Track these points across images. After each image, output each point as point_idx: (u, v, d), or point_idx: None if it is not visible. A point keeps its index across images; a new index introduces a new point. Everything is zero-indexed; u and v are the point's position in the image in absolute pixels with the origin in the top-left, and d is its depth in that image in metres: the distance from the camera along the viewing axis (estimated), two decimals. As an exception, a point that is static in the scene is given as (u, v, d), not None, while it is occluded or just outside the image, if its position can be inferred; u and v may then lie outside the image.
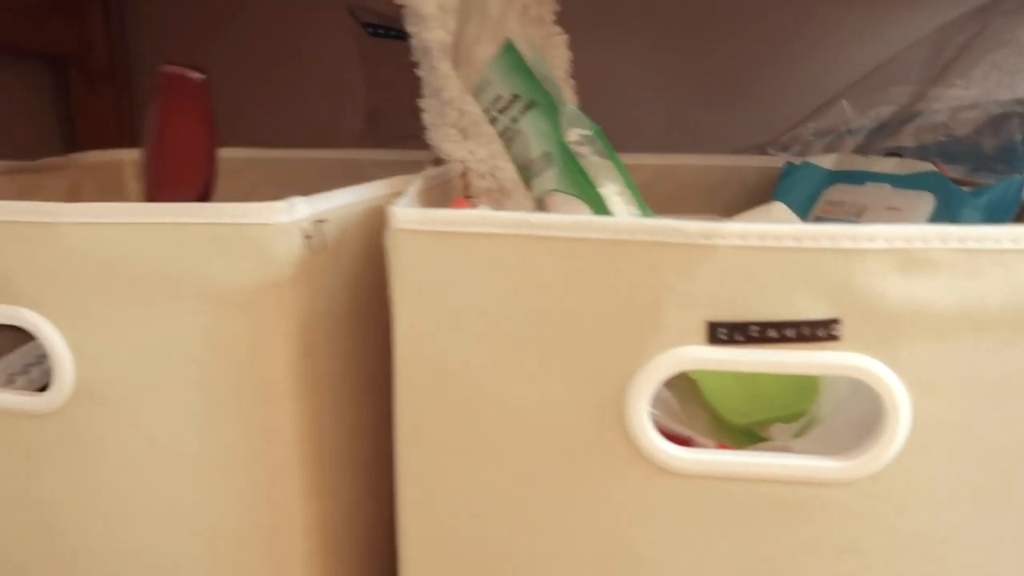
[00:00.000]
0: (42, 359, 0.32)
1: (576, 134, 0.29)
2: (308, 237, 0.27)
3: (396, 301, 0.25)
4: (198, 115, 0.24)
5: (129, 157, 0.53)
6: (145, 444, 0.28)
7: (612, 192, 0.29)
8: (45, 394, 0.28)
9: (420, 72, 0.41)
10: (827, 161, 0.42)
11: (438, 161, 0.45)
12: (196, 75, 0.23)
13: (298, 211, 0.27)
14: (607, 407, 0.24)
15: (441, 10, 0.38)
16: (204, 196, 0.27)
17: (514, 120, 0.31)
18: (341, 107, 0.88)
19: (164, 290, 0.26)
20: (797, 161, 0.43)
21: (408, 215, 0.24)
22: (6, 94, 0.83)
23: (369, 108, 0.65)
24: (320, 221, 0.28)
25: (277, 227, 0.26)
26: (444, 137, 0.40)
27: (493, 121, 0.32)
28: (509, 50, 0.30)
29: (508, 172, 0.41)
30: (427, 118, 0.41)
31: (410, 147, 0.64)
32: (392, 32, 0.53)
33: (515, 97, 0.31)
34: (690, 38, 0.81)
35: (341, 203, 0.29)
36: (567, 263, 0.23)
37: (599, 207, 0.29)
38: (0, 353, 0.35)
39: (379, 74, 0.62)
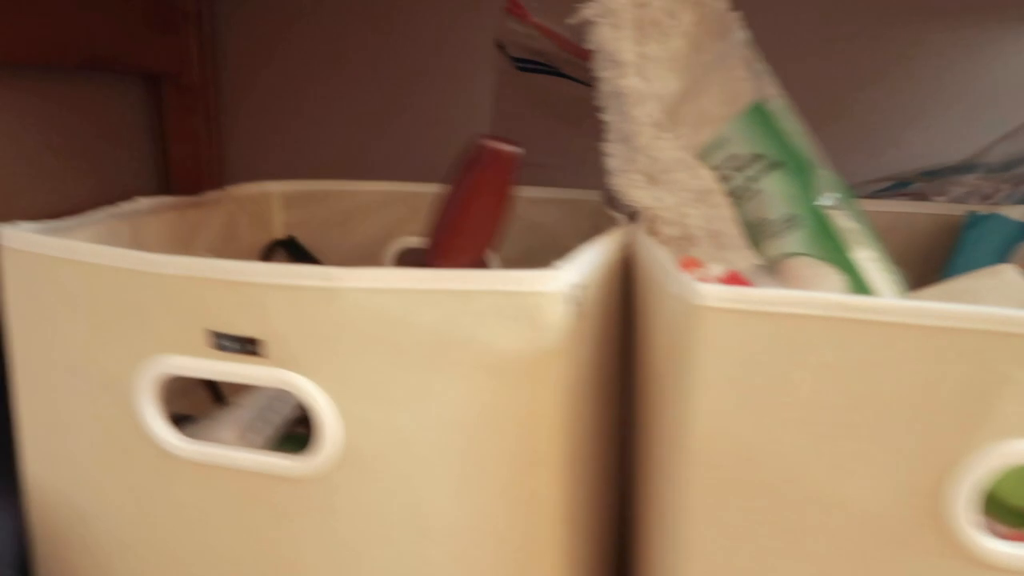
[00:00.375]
0: (266, 411, 0.32)
1: (830, 198, 0.29)
2: (578, 304, 0.27)
3: (696, 379, 0.24)
4: (506, 189, 0.23)
5: (277, 189, 0.53)
6: (405, 512, 0.28)
7: (866, 258, 0.29)
8: (307, 458, 0.28)
9: (606, 116, 0.40)
10: (1018, 213, 0.41)
11: (611, 203, 0.44)
12: (514, 151, 0.22)
13: (567, 278, 0.26)
14: (925, 498, 0.23)
15: (640, 58, 0.38)
16: (480, 264, 0.26)
17: (752, 179, 0.31)
18: (444, 136, 0.88)
19: (439, 356, 0.26)
20: (982, 211, 0.42)
21: (718, 293, 0.23)
22: (103, 111, 0.84)
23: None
24: (583, 287, 0.28)
25: (551, 295, 0.26)
26: (631, 183, 0.40)
27: (724, 179, 0.32)
28: (758, 110, 0.29)
29: (695, 220, 0.41)
30: (612, 163, 0.41)
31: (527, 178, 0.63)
32: (542, 67, 0.52)
33: (757, 157, 0.30)
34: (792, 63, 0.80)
35: (595, 265, 0.29)
36: (889, 348, 0.23)
37: (851, 272, 0.29)
38: (202, 407, 0.35)
39: (508, 107, 0.61)
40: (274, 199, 0.53)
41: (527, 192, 0.51)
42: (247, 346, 0.27)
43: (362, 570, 0.29)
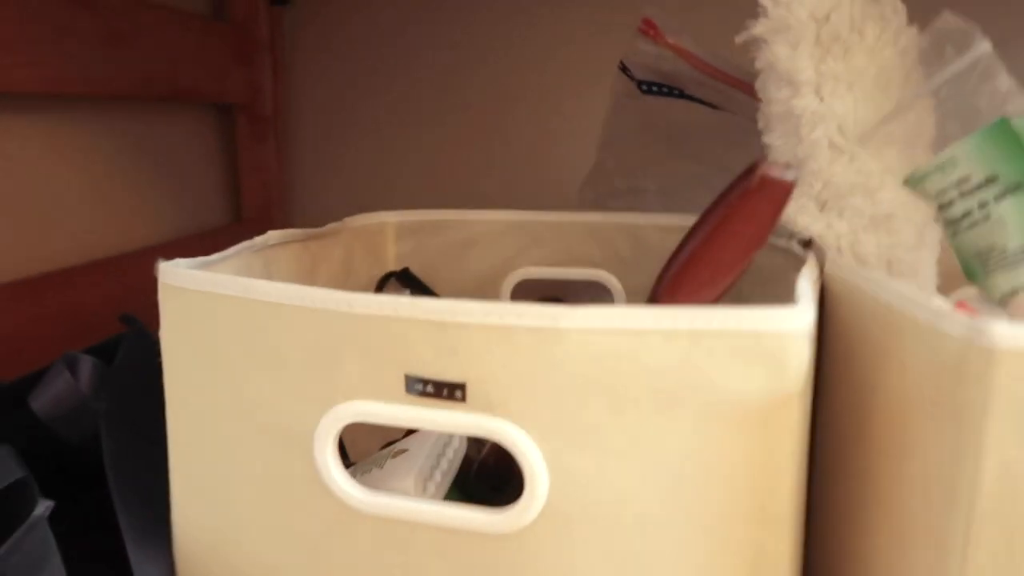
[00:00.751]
0: (440, 457, 0.30)
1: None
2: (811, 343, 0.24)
3: (987, 431, 0.21)
4: (772, 223, 0.21)
5: (392, 220, 0.51)
6: (613, 570, 0.25)
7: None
8: (509, 512, 0.25)
9: (770, 139, 0.38)
10: None
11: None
12: (791, 179, 0.20)
13: (808, 315, 0.24)
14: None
15: (819, 76, 0.35)
16: (718, 300, 0.24)
17: (982, 204, 0.28)
18: (528, 165, 0.86)
19: (667, 402, 0.24)
20: None
21: (1016, 335, 0.21)
22: (180, 141, 0.83)
23: (596, 164, 0.63)
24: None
25: (797, 334, 0.23)
26: (800, 209, 0.37)
27: (946, 205, 0.29)
28: (1002, 127, 0.27)
29: (868, 248, 0.38)
30: (776, 189, 0.38)
31: (628, 202, 0.61)
32: (666, 90, 0.50)
33: (991, 179, 0.27)
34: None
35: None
36: None
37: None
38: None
39: (619, 132, 0.59)
40: (388, 229, 0.51)
41: (656, 219, 0.48)
42: (452, 391, 0.24)
43: (568, 639, 0.26)
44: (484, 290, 0.51)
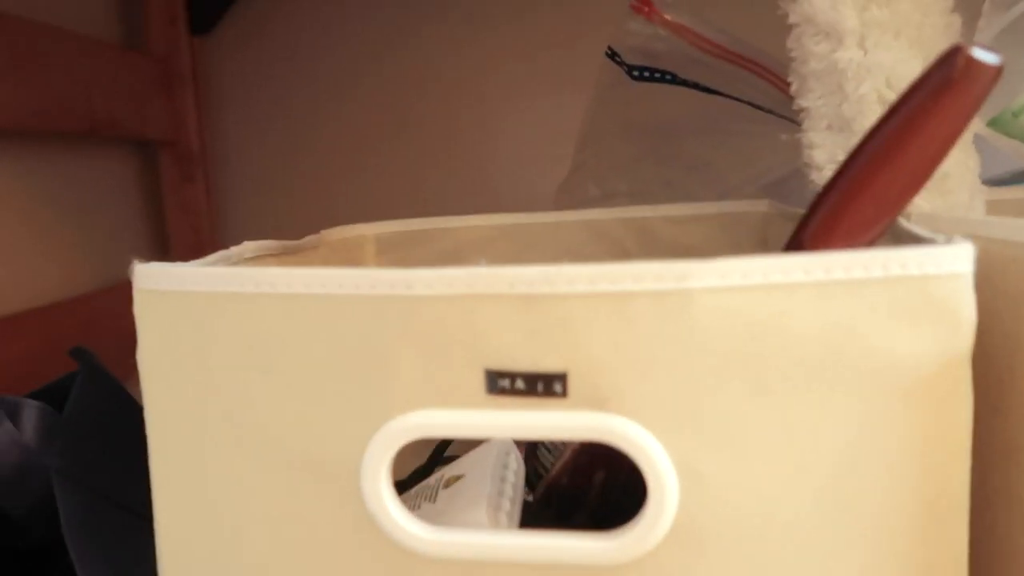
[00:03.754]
0: (503, 480, 0.24)
1: None
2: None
3: None
4: (970, 118, 0.17)
5: (370, 232, 0.45)
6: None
7: None
8: (628, 535, 0.20)
9: (810, 101, 0.34)
10: None
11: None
12: (999, 61, 0.16)
13: (970, 253, 0.19)
14: None
15: (863, 25, 0.32)
16: (872, 245, 0.20)
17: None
18: (466, 185, 0.82)
19: (818, 375, 0.19)
20: None
21: None
22: (98, 181, 0.75)
23: (575, 165, 0.59)
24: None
25: (965, 277, 0.19)
26: (849, 176, 0.33)
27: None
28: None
29: (923, 210, 0.34)
30: (820, 155, 0.34)
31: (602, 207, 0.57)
32: (658, 75, 0.47)
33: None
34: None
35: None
36: None
37: None
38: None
39: (598, 128, 0.56)
40: (368, 242, 0.45)
41: (663, 211, 0.44)
42: (548, 385, 0.19)
43: None
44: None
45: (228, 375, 0.22)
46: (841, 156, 0.34)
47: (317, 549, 0.22)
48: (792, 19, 0.33)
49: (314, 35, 0.85)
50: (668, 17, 0.43)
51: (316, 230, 0.94)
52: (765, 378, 0.19)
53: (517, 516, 0.23)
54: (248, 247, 0.34)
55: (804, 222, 0.19)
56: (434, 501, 0.24)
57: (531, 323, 0.19)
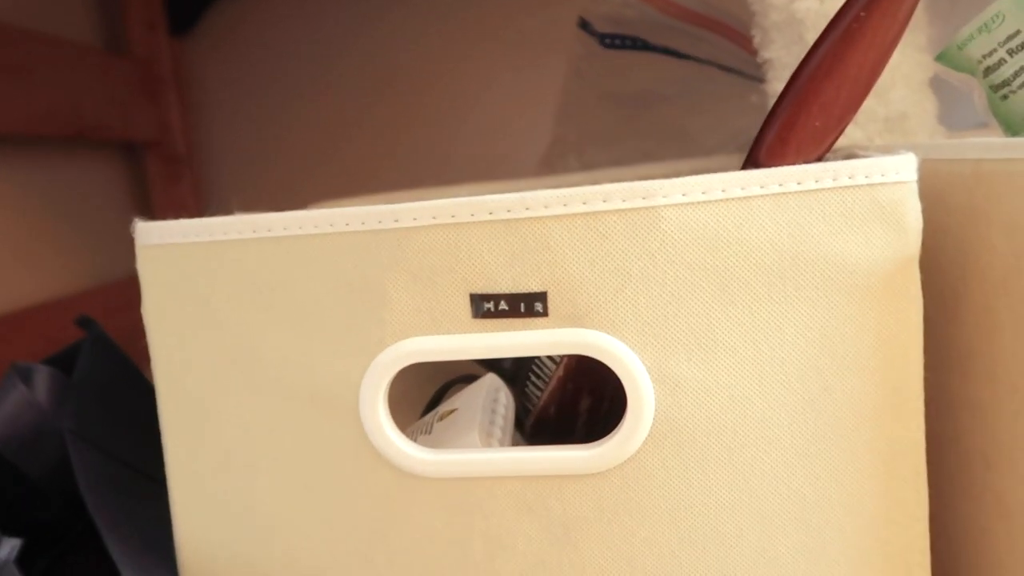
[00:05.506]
0: (494, 406, 0.25)
1: None
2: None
3: None
4: (904, 28, 0.18)
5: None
6: (733, 494, 0.21)
7: None
8: (608, 444, 0.21)
9: (772, 52, 0.36)
10: None
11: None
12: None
13: (914, 163, 0.21)
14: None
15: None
16: (822, 158, 0.21)
17: (1035, 60, 0.26)
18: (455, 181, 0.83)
19: (779, 280, 0.20)
20: None
21: None
22: (86, 184, 0.76)
23: (554, 138, 0.60)
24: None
25: (910, 185, 0.20)
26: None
27: (993, 67, 0.27)
28: (1055, -30, 0.25)
29: (886, 155, 0.36)
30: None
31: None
32: (629, 42, 0.48)
33: (1042, 31, 0.26)
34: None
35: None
36: None
37: None
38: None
39: (576, 101, 0.57)
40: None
41: (642, 172, 0.46)
42: (530, 305, 0.21)
43: (694, 584, 0.22)
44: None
45: (231, 317, 0.23)
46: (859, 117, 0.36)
47: (322, 476, 0.23)
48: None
49: (292, 29, 0.86)
50: (635, -16, 0.45)
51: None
52: (730, 286, 0.20)
53: (508, 442, 0.25)
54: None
55: (758, 140, 0.21)
56: (430, 433, 0.25)
57: (511, 247, 0.20)
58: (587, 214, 0.20)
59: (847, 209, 0.20)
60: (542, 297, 0.21)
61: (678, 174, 0.44)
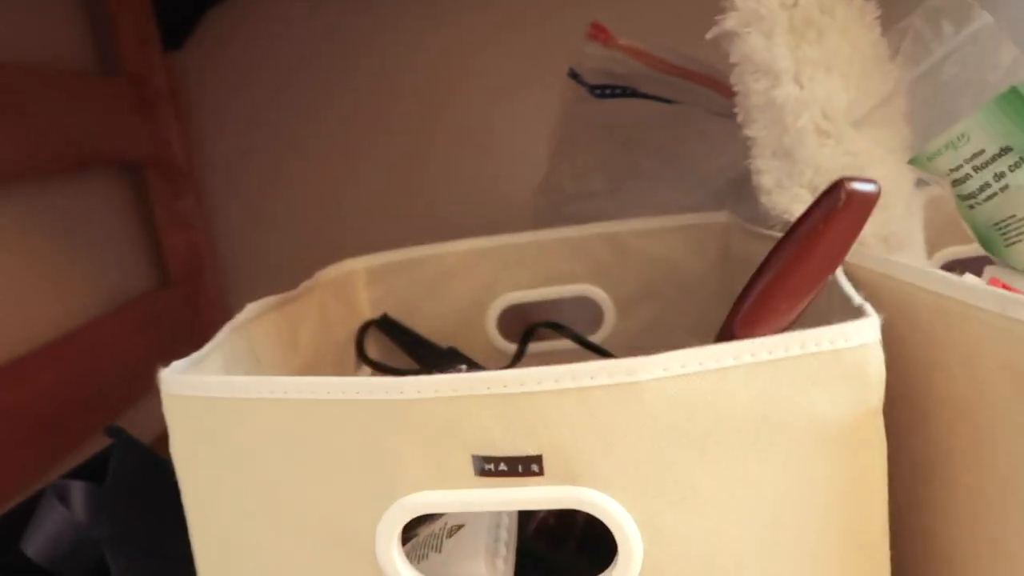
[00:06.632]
0: (498, 529, 0.28)
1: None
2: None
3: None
4: (856, 235, 0.20)
5: (359, 266, 0.48)
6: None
7: None
8: (605, 582, 0.23)
9: (753, 131, 0.37)
10: None
11: (754, 222, 0.41)
12: (875, 188, 0.19)
13: (877, 322, 0.23)
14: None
15: (797, 63, 0.35)
16: (791, 328, 0.23)
17: (998, 176, 0.28)
18: (457, 196, 0.84)
19: (756, 440, 0.22)
20: None
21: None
22: (88, 210, 0.77)
23: (549, 171, 0.61)
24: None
25: (872, 345, 0.22)
26: (794, 199, 0.37)
27: (960, 180, 0.29)
28: (1013, 96, 0.26)
29: (867, 227, 0.37)
30: (767, 181, 0.37)
31: (579, 206, 0.60)
32: (619, 91, 0.49)
33: (1005, 149, 0.27)
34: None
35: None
36: None
37: None
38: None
39: (569, 138, 0.58)
40: (358, 277, 0.48)
41: (634, 225, 0.47)
42: (527, 466, 0.23)
43: None
44: (469, 321, 0.49)
45: (254, 464, 0.25)
46: (786, 182, 0.37)
47: (344, 608, 0.25)
48: (732, 58, 0.36)
49: (286, 38, 0.86)
50: (622, 42, 0.45)
51: (309, 229, 0.96)
52: (708, 447, 0.22)
53: (512, 560, 0.27)
54: (251, 309, 0.37)
55: (732, 313, 0.22)
56: (440, 551, 0.27)
57: (508, 416, 0.22)
58: (577, 389, 0.22)
59: (814, 372, 0.22)
60: (538, 459, 0.22)
61: (671, 228, 0.45)
